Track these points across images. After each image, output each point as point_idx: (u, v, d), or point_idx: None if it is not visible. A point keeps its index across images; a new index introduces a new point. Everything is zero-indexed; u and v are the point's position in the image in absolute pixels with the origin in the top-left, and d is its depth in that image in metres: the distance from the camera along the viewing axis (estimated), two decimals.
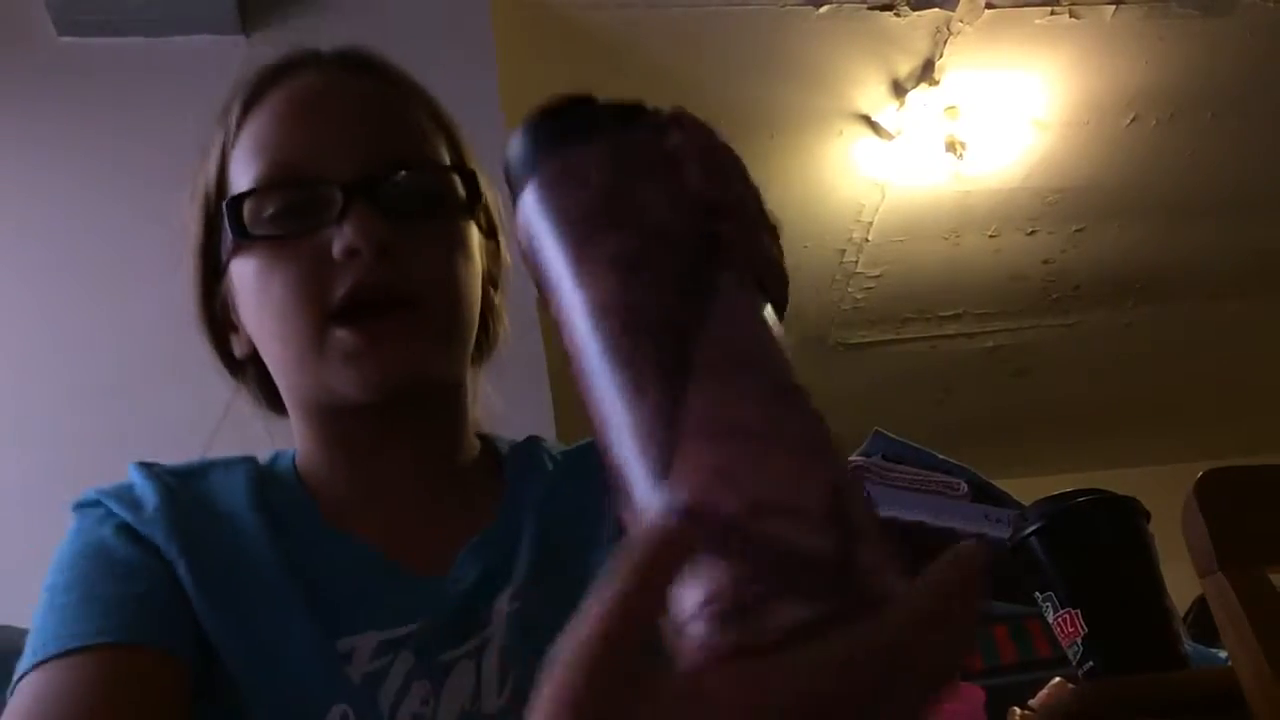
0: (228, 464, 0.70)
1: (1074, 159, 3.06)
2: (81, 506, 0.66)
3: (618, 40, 2.44)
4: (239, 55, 1.99)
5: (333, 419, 0.68)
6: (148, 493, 0.64)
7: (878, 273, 3.43)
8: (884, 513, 1.43)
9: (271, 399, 0.72)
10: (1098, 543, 0.98)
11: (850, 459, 1.57)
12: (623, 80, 2.52)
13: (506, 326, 0.76)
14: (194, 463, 0.70)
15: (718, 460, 0.31)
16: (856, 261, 3.35)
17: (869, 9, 2.47)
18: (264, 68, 0.70)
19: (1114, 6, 2.58)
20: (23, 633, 0.61)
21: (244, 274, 0.66)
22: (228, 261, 0.67)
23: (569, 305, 0.36)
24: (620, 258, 0.35)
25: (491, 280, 0.72)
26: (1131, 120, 2.94)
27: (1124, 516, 1.01)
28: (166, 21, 1.95)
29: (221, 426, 0.75)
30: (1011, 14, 2.54)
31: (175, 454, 0.72)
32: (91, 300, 1.77)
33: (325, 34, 2.34)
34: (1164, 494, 1.13)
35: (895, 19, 2.51)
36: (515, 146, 0.39)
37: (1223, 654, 0.84)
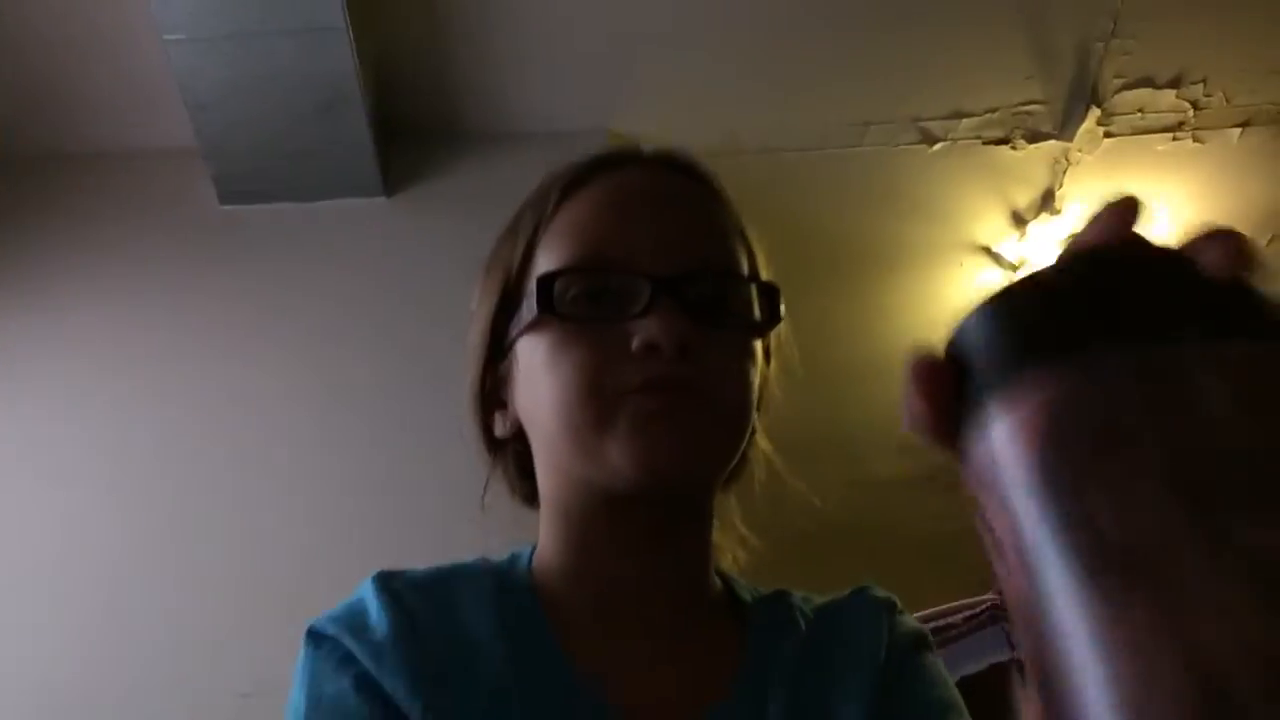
0: (470, 573, 0.67)
1: None
2: (316, 637, 0.63)
3: (735, 185, 2.51)
4: (382, 215, 2.14)
5: (587, 508, 0.65)
6: (383, 624, 0.62)
7: None
8: None
9: (525, 486, 0.71)
10: None
11: (987, 595, 1.52)
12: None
13: (762, 452, 0.73)
14: (437, 571, 0.67)
15: None
16: None
17: (983, 144, 2.50)
18: (587, 158, 0.70)
19: (1240, 129, 2.53)
20: None
21: (533, 350, 0.65)
22: (516, 337, 0.67)
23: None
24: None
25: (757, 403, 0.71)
26: (1270, 240, 2.85)
27: None
28: (316, 187, 2.11)
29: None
30: (1132, 141, 2.53)
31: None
32: (258, 434, 1.87)
33: (458, 194, 2.50)
34: None
35: (1011, 152, 2.53)
36: (984, 334, 0.28)
37: None
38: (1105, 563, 0.24)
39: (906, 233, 2.71)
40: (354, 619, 0.63)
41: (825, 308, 2.86)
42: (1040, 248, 2.76)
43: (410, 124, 2.23)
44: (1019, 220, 2.72)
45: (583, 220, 0.66)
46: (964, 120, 2.44)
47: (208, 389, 1.93)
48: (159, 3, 1.77)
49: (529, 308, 0.65)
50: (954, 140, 2.48)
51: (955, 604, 1.45)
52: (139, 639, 1.69)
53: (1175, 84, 2.41)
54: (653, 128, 2.36)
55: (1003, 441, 0.27)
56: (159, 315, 2.01)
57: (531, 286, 0.65)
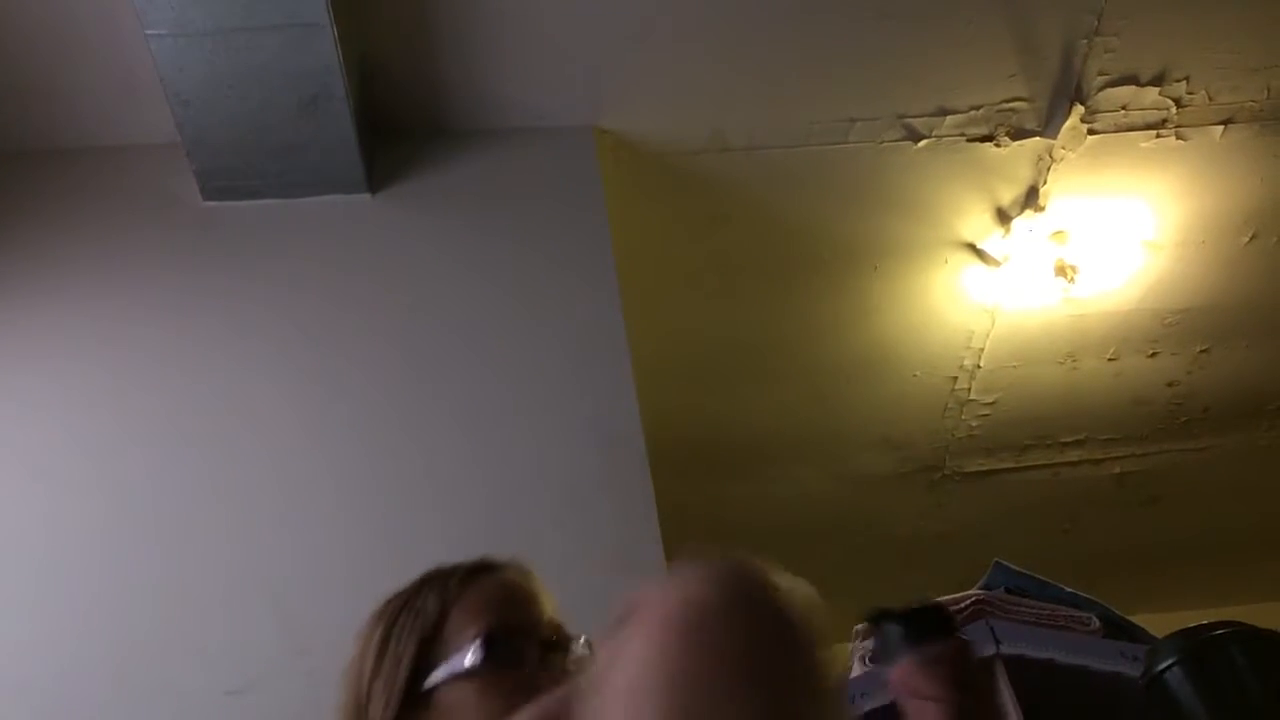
0: None
1: (1193, 279, 2.98)
2: None
3: (721, 182, 2.52)
4: (366, 212, 2.13)
5: None
6: None
7: (992, 399, 3.37)
8: (1009, 650, 1.37)
9: None
10: (1238, 678, 0.92)
11: (972, 591, 1.53)
12: (728, 218, 2.59)
13: None
14: None
15: None
16: (969, 389, 3.30)
17: (968, 141, 2.51)
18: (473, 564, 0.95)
19: (1223, 126, 2.55)
20: None
21: (463, 696, 0.84)
22: (433, 687, 0.84)
23: None
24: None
25: None
26: (1251, 238, 2.88)
27: (1267, 650, 0.95)
28: (300, 183, 2.10)
29: None
30: (1115, 139, 2.54)
31: None
32: (243, 432, 1.86)
33: (442, 190, 2.48)
34: None
35: (995, 149, 2.54)
36: (896, 631, 0.81)
37: None
38: None
39: (891, 229, 2.72)
40: None
41: (810, 304, 2.87)
42: (1025, 244, 2.78)
43: (394, 120, 2.23)
44: (1003, 217, 2.73)
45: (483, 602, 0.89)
46: (949, 117, 2.45)
47: (190, 385, 1.92)
48: None
49: (458, 662, 0.84)
50: (939, 137, 2.49)
51: (941, 599, 1.46)
52: (127, 635, 1.68)
53: (1159, 81, 2.43)
54: (637, 125, 2.36)
55: (898, 678, 0.97)
56: (141, 312, 2.00)
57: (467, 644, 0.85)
